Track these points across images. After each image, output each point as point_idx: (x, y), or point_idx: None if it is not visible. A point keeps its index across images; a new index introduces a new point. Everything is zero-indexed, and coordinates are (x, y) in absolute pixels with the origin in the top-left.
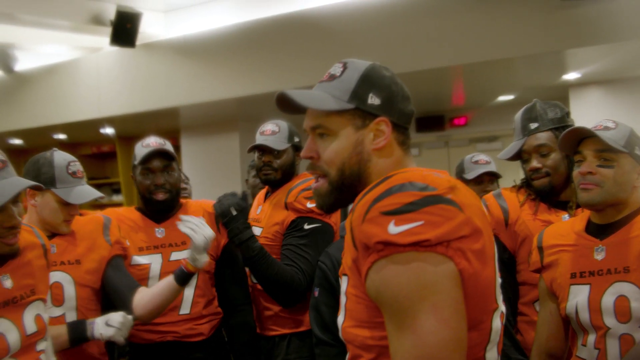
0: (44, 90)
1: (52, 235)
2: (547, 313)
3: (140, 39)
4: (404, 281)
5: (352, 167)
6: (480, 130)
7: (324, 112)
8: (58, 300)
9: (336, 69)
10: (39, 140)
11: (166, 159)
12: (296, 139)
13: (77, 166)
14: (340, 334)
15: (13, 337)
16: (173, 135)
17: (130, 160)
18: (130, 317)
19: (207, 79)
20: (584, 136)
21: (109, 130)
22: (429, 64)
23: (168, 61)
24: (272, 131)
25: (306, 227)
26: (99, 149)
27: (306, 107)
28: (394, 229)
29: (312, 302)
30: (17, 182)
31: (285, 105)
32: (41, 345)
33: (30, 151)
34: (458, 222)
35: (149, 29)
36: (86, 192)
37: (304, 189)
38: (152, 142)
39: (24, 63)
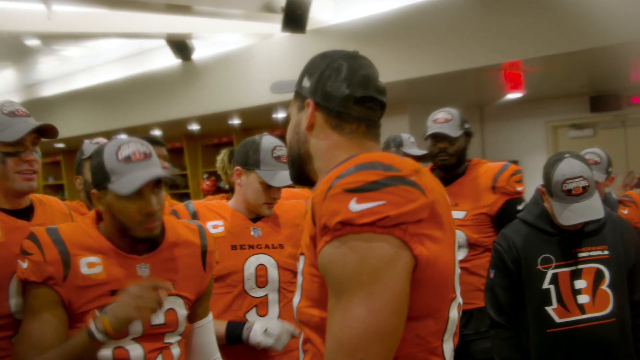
0: (219, 77)
1: (257, 218)
2: None
3: (310, 25)
4: (349, 262)
5: (293, 145)
6: None
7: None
8: (262, 282)
9: None
10: (215, 125)
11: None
12: (467, 126)
13: (283, 151)
14: (295, 315)
15: (135, 322)
16: None
17: None
18: (290, 326)
19: (376, 61)
20: None
21: (280, 115)
22: (603, 41)
23: (338, 46)
24: (446, 119)
25: (519, 207)
26: (271, 133)
27: (273, 92)
28: (355, 206)
29: (487, 283)
30: (153, 172)
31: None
32: (171, 339)
33: (207, 136)
34: (419, 204)
35: (319, 15)
36: (285, 179)
37: (512, 173)
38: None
39: (200, 52)
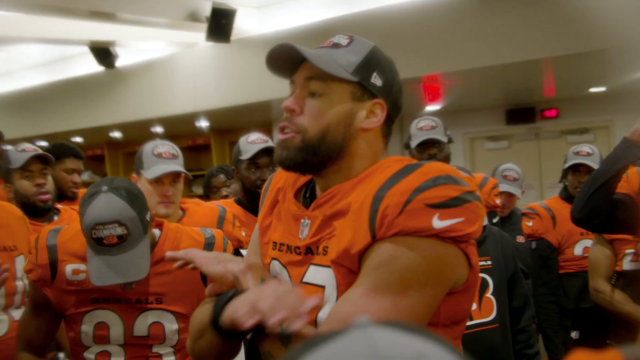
0: (142, 85)
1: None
2: None
3: (235, 35)
4: (424, 262)
5: (336, 135)
6: (571, 122)
7: (326, 73)
8: None
9: (341, 39)
10: (137, 133)
11: (272, 156)
12: (448, 132)
13: (165, 148)
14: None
15: (116, 331)
16: (266, 128)
17: (223, 153)
18: None
19: None
20: None
21: (203, 124)
22: (518, 56)
23: (261, 56)
24: (432, 126)
25: (494, 220)
26: (194, 142)
27: (315, 64)
28: (438, 222)
29: None
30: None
31: (280, 59)
32: (160, 350)
33: (129, 144)
34: (482, 221)
35: (243, 25)
36: (165, 168)
37: (492, 187)
38: (257, 137)
39: (123, 59)
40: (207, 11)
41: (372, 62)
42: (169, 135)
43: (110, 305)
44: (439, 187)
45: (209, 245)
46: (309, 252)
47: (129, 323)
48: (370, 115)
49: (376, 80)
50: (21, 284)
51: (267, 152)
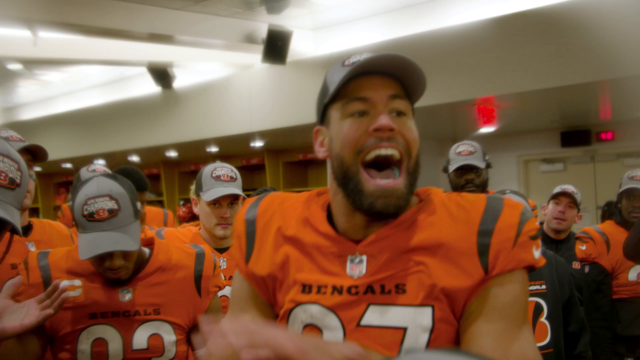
0: (198, 105)
1: (223, 249)
2: None
3: (290, 56)
4: (524, 293)
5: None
6: (628, 144)
7: (411, 93)
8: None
9: None
10: (193, 153)
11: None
12: (487, 157)
13: (224, 170)
14: None
15: (115, 346)
16: None
17: (277, 173)
18: None
19: None
20: None
21: (258, 144)
22: (574, 79)
23: (316, 77)
24: (470, 151)
25: None
26: (248, 162)
27: (419, 85)
28: (536, 253)
29: None
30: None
31: (378, 66)
32: None
33: (184, 163)
34: None
35: (299, 47)
36: (223, 191)
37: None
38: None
39: (180, 80)
40: (263, 33)
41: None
42: (223, 155)
43: (108, 319)
44: (530, 220)
45: (199, 256)
46: (370, 291)
47: (128, 337)
48: None
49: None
50: None
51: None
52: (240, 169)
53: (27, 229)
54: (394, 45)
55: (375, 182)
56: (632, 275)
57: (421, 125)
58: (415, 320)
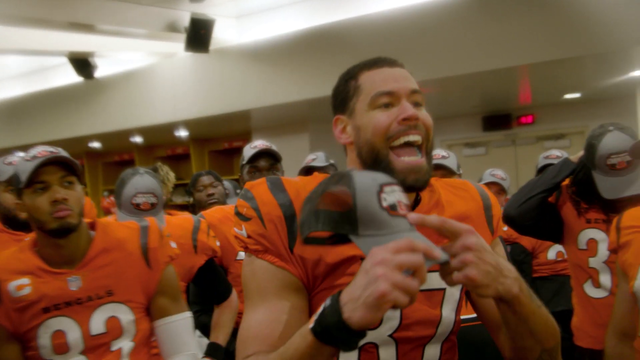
0: (121, 95)
1: None
2: (622, 293)
3: (213, 44)
4: None
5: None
6: (547, 128)
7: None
8: None
9: None
10: (117, 143)
11: (272, 159)
12: (461, 171)
13: (144, 198)
14: (452, 328)
15: (74, 335)
16: (244, 137)
17: (202, 162)
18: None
19: (277, 82)
20: None
21: (183, 133)
22: (495, 64)
23: (240, 65)
24: (443, 156)
25: None
26: (173, 151)
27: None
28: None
29: None
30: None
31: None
32: (119, 344)
33: (108, 154)
34: None
35: (222, 35)
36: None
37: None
38: (259, 143)
39: (102, 70)
40: (185, 22)
41: None
42: (148, 145)
43: (62, 310)
44: None
45: (144, 229)
46: None
47: (85, 324)
48: None
49: None
50: None
51: (266, 154)
52: (166, 158)
53: None
54: (316, 33)
55: (404, 161)
56: (551, 254)
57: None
58: None
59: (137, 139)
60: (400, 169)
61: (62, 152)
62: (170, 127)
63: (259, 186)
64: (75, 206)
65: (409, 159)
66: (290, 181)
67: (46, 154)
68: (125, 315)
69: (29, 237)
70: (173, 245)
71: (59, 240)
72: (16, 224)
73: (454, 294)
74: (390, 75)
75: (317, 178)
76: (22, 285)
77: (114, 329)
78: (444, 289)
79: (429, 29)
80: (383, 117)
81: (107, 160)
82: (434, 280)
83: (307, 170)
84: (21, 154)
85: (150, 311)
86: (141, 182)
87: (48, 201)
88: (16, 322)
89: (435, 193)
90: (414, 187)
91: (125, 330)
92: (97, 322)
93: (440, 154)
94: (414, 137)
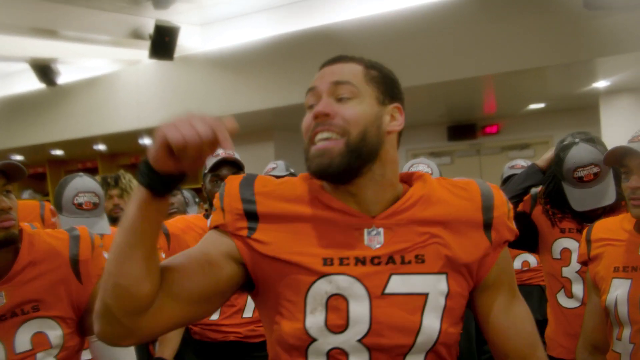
0: (84, 102)
1: None
2: (592, 305)
3: (178, 52)
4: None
5: (372, 137)
6: (512, 138)
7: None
8: None
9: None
10: (79, 151)
11: (234, 167)
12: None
13: (86, 197)
14: (436, 338)
15: None
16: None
17: None
18: None
19: (243, 90)
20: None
21: (147, 141)
22: (459, 74)
23: (205, 73)
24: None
25: None
26: (137, 159)
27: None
28: (515, 227)
29: None
30: None
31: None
32: (45, 357)
33: (71, 162)
34: None
35: (187, 42)
36: (82, 222)
37: None
38: (221, 152)
39: (65, 76)
40: (150, 29)
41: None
42: (112, 153)
43: None
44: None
45: (74, 239)
46: (391, 261)
47: (9, 342)
48: (392, 119)
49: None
50: None
51: (228, 163)
52: (130, 166)
53: None
54: (282, 41)
55: (313, 148)
56: (517, 264)
57: (298, 120)
58: (435, 286)
59: (101, 147)
60: (310, 157)
61: None
62: (135, 134)
63: (234, 180)
64: (16, 216)
65: (319, 144)
66: (266, 180)
67: None
68: (54, 330)
69: None
70: (107, 256)
71: None
72: None
73: (438, 300)
74: (321, 72)
75: (289, 180)
76: None
77: (41, 345)
78: (426, 294)
79: (394, 39)
80: (307, 117)
81: (70, 168)
82: (415, 283)
83: None
84: None
85: (82, 327)
86: (81, 182)
87: None
88: None
89: (425, 189)
90: (319, 172)
91: (54, 345)
92: (22, 339)
93: (423, 170)
94: (323, 135)
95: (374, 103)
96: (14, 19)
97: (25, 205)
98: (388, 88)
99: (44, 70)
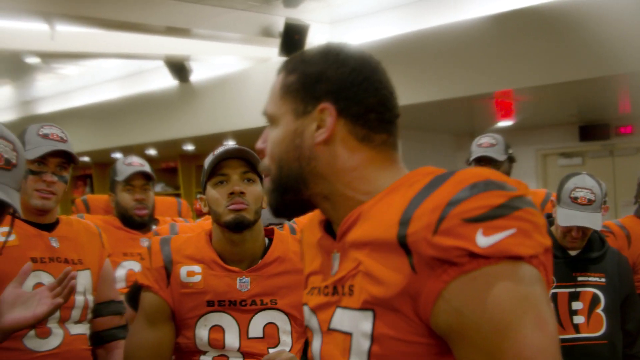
0: (215, 99)
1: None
2: None
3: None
4: (504, 295)
5: (290, 164)
6: None
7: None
8: None
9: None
10: (210, 146)
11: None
12: (510, 151)
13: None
14: None
15: (232, 334)
16: None
17: None
18: None
19: None
20: None
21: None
22: (593, 72)
23: None
24: (490, 143)
25: None
26: (264, 155)
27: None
28: (483, 240)
29: None
30: None
31: None
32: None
33: (201, 157)
34: (545, 230)
35: (316, 40)
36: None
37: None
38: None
39: (197, 74)
40: (280, 27)
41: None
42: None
43: (225, 308)
44: (477, 195)
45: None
46: (335, 292)
47: (244, 325)
48: (321, 126)
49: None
50: (81, 298)
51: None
52: None
53: (54, 225)
54: (411, 39)
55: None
56: None
57: (437, 119)
58: (357, 325)
59: (230, 142)
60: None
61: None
62: (263, 131)
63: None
64: (253, 203)
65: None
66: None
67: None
68: (284, 324)
69: (204, 230)
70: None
71: (234, 236)
72: (132, 224)
73: (360, 343)
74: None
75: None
76: (193, 272)
77: (271, 336)
78: (351, 334)
79: (524, 36)
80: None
81: (201, 163)
82: (343, 319)
83: None
84: (120, 156)
85: None
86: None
87: (225, 193)
88: (179, 307)
89: (366, 204)
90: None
91: (281, 340)
92: (256, 326)
93: (488, 141)
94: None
95: (290, 120)
96: (150, 19)
97: (163, 201)
98: (309, 89)
99: (178, 67)
